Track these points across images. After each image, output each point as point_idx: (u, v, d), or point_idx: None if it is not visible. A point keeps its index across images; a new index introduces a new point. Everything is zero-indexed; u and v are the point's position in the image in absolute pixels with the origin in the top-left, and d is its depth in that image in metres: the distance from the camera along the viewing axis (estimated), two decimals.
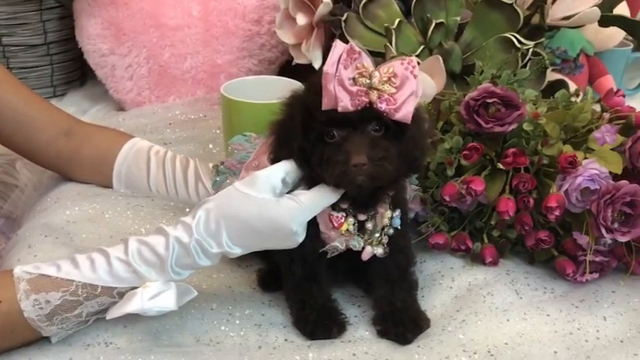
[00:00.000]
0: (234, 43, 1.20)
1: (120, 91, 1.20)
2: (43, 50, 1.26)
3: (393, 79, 0.58)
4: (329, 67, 0.58)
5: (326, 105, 0.59)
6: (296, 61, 1.09)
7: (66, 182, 0.93)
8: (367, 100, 0.59)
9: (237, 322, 0.68)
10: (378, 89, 0.58)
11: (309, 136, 0.61)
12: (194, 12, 1.18)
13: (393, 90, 0.58)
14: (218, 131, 1.07)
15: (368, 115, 0.59)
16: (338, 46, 0.59)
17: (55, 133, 0.89)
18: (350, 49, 0.58)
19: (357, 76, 0.58)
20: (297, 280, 0.68)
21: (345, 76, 0.58)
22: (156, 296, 0.61)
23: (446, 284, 0.74)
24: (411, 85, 0.58)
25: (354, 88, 0.58)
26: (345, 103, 0.58)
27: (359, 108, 0.59)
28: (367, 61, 0.59)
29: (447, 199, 0.75)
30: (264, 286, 0.74)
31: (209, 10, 1.19)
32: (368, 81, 0.58)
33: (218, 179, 0.78)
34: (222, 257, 0.65)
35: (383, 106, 0.59)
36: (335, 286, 0.72)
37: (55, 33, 1.27)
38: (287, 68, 1.20)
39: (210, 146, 1.05)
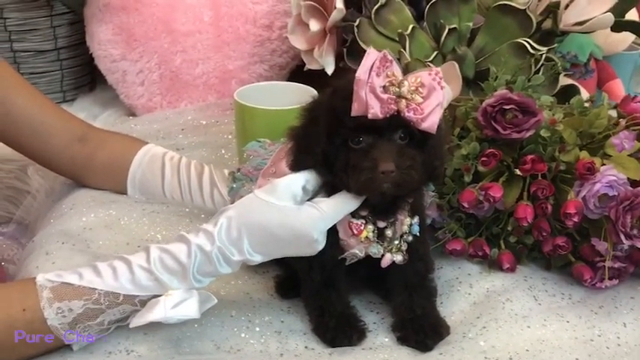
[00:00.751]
0: (245, 49, 1.20)
1: (131, 96, 1.20)
2: (53, 56, 1.27)
3: (420, 88, 0.59)
4: (362, 74, 0.59)
5: (356, 111, 0.59)
6: (308, 66, 1.09)
7: (80, 188, 0.93)
8: (396, 108, 0.59)
9: (257, 329, 0.68)
10: (406, 98, 0.59)
11: (334, 142, 0.61)
12: (205, 17, 1.19)
13: (420, 100, 0.59)
14: (230, 136, 1.07)
15: (395, 124, 0.60)
16: (371, 54, 0.59)
17: (69, 139, 0.89)
18: (383, 57, 0.59)
19: (387, 84, 0.59)
20: (315, 287, 0.68)
21: (377, 84, 0.59)
22: (178, 304, 0.61)
23: (464, 291, 0.74)
24: (437, 96, 0.59)
25: (385, 96, 0.59)
26: (376, 110, 0.59)
27: (387, 115, 0.59)
28: (397, 70, 0.60)
29: (466, 205, 0.75)
30: (282, 293, 0.74)
31: (220, 15, 1.19)
32: (397, 89, 0.59)
33: (235, 186, 0.78)
34: (244, 263, 0.65)
35: (410, 115, 0.59)
36: (353, 292, 0.72)
37: (66, 38, 1.27)
38: (298, 74, 1.20)
39: (223, 152, 1.05)
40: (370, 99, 0.59)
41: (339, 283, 0.68)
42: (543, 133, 0.75)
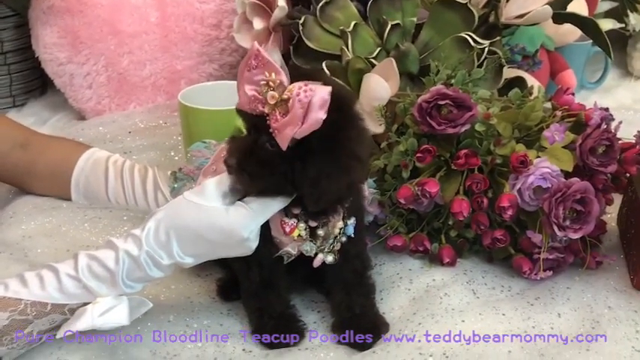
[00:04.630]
0: (193, 49, 1.19)
1: (79, 100, 1.19)
2: (0, 60, 1.24)
3: (284, 103, 0.57)
4: (240, 65, 0.59)
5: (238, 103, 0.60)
6: None
7: (23, 195, 0.92)
8: (263, 109, 0.58)
9: (195, 333, 0.68)
10: (269, 104, 0.57)
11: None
12: (152, 18, 1.17)
13: (283, 111, 0.57)
14: (179, 138, 1.06)
15: (264, 126, 0.58)
16: (252, 46, 0.58)
17: (10, 145, 0.88)
18: (258, 53, 0.57)
19: (263, 82, 0.57)
20: (254, 288, 0.68)
21: (249, 78, 0.58)
22: (107, 312, 0.60)
23: (404, 286, 0.74)
24: (295, 114, 0.56)
25: (251, 93, 0.58)
26: (241, 102, 0.59)
27: (255, 113, 0.58)
28: (278, 72, 0.58)
29: (403, 201, 0.75)
30: (224, 296, 0.73)
31: (167, 15, 1.18)
32: (265, 92, 0.57)
33: (176, 185, 0.78)
34: (182, 267, 0.64)
35: (271, 123, 0.58)
36: (295, 292, 0.72)
37: (12, 42, 1.24)
38: None
39: (172, 153, 1.04)
40: (240, 89, 0.59)
41: (278, 283, 0.68)
42: (478, 127, 0.76)
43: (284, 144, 0.57)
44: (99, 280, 0.61)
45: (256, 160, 0.59)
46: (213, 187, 0.62)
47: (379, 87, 0.82)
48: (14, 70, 1.26)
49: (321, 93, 0.56)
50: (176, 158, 1.04)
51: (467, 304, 0.71)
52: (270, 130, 0.58)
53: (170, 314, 0.70)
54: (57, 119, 1.22)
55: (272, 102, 0.57)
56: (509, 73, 0.98)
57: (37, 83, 1.31)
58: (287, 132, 0.56)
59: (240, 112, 0.60)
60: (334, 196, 0.60)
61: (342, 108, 0.58)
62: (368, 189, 0.76)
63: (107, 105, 1.18)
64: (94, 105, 1.18)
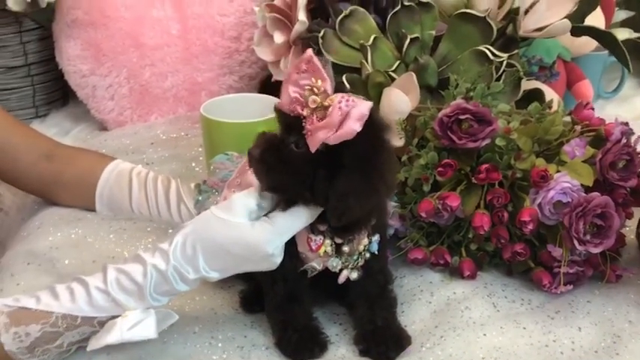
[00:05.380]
0: (214, 61, 1.21)
1: (102, 111, 1.20)
2: (24, 71, 1.26)
3: (323, 109, 0.58)
4: (290, 69, 0.62)
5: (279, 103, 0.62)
6: (275, 77, 1.10)
7: (48, 206, 0.93)
8: (301, 111, 0.59)
9: (220, 345, 0.69)
10: (309, 107, 0.59)
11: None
12: (173, 31, 1.19)
13: (320, 116, 0.59)
14: (200, 149, 1.06)
15: (296, 127, 0.60)
16: (307, 52, 0.60)
17: (36, 157, 0.89)
18: (309, 59, 0.59)
19: (307, 86, 0.59)
20: (278, 301, 0.68)
21: (295, 80, 0.59)
22: (135, 325, 0.61)
23: (425, 299, 0.74)
24: (331, 123, 0.57)
25: (294, 94, 0.59)
26: (282, 101, 0.60)
27: (292, 114, 0.60)
28: (326, 80, 0.59)
29: (424, 215, 0.76)
30: (247, 308, 0.74)
31: (188, 28, 1.19)
32: (307, 96, 0.59)
33: (200, 198, 0.79)
34: (204, 280, 0.65)
35: (306, 125, 0.59)
36: (317, 304, 0.73)
37: (36, 54, 1.26)
38: (269, 83, 1.21)
39: (193, 164, 1.05)
40: (284, 90, 0.60)
41: (302, 297, 0.68)
42: (499, 141, 0.76)
43: (314, 146, 0.58)
44: (127, 293, 0.63)
45: (280, 155, 0.60)
46: (240, 202, 0.63)
47: (399, 101, 0.83)
48: (37, 81, 1.28)
49: (361, 107, 0.57)
50: (197, 169, 1.05)
51: (488, 317, 0.71)
52: (303, 132, 0.59)
53: (195, 326, 0.70)
54: (79, 130, 1.24)
55: (312, 106, 0.59)
56: (526, 85, 0.99)
57: (58, 94, 1.33)
58: (320, 135, 0.57)
59: (278, 111, 0.62)
60: (358, 215, 0.61)
61: (378, 129, 0.60)
62: (390, 203, 0.77)
63: (129, 116, 1.20)
64: (116, 116, 1.20)
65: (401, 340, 0.68)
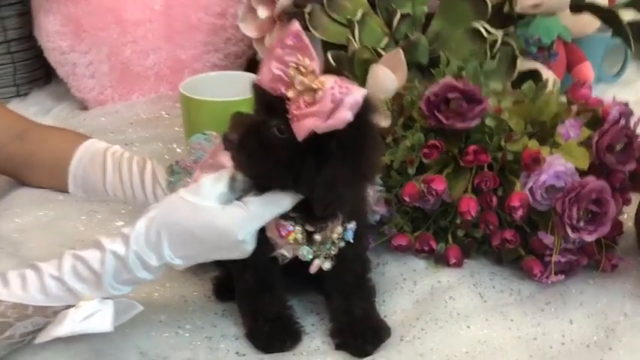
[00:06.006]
0: (197, 38, 1.16)
1: (82, 89, 1.17)
2: (3, 48, 1.22)
3: (312, 92, 0.53)
4: (273, 43, 0.56)
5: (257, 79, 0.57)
6: (260, 55, 1.05)
7: (20, 187, 0.90)
8: (284, 91, 0.54)
9: (187, 335, 0.65)
10: (296, 89, 0.54)
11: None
12: (155, 6, 1.14)
13: (308, 100, 0.53)
14: (182, 129, 1.01)
15: (279, 110, 0.55)
16: (292, 26, 0.55)
17: (7, 137, 0.86)
18: (296, 33, 0.54)
19: (292, 64, 0.54)
20: (249, 289, 0.64)
21: (278, 55, 0.54)
22: (90, 316, 0.57)
23: (408, 288, 0.71)
24: (323, 108, 0.52)
25: (277, 71, 0.54)
26: (263, 78, 0.55)
27: (275, 93, 0.55)
28: (313, 59, 0.55)
29: (408, 199, 0.72)
30: (220, 295, 0.70)
31: (171, 4, 1.15)
32: (293, 75, 0.54)
33: (172, 179, 0.75)
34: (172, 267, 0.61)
35: (291, 108, 0.54)
36: (292, 293, 0.69)
37: (15, 30, 1.22)
38: (256, 62, 1.16)
39: (174, 145, 1.01)
40: (265, 65, 0.55)
41: (274, 285, 0.65)
42: (489, 122, 0.72)
43: (301, 134, 0.53)
44: (83, 282, 0.58)
45: (261, 141, 0.55)
46: (210, 184, 0.59)
47: (386, 78, 0.79)
48: (18, 58, 1.24)
49: (355, 95, 0.53)
50: (178, 150, 1.01)
51: (473, 308, 0.67)
52: (288, 116, 0.54)
53: (162, 314, 0.67)
54: (60, 109, 1.20)
55: (299, 88, 0.53)
56: (523, 65, 0.94)
57: (41, 72, 1.29)
58: (308, 122, 0.53)
59: (257, 88, 0.57)
60: (345, 204, 0.57)
61: (367, 116, 0.56)
62: (374, 187, 0.72)
63: (110, 95, 1.16)
64: (97, 95, 1.16)
65: (379, 332, 0.64)
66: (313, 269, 0.62)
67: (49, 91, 1.27)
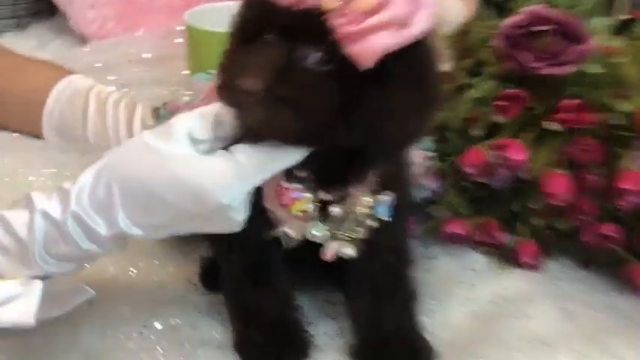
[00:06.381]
0: None
1: (81, 22, 1.06)
2: None
3: None
4: None
5: None
6: None
7: None
8: (318, 3, 0.38)
9: (153, 337, 0.50)
10: None
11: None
12: None
13: (365, 7, 0.38)
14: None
15: (313, 32, 0.39)
16: None
17: None
18: None
19: None
20: (238, 281, 0.49)
21: None
22: (5, 303, 0.42)
23: (463, 294, 0.55)
24: (394, 13, 0.38)
25: None
26: None
27: (298, 8, 0.39)
28: None
29: (471, 170, 0.56)
30: (207, 283, 0.56)
31: None
32: None
33: (157, 125, 0.62)
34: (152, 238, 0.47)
35: (339, 22, 0.38)
36: (302, 288, 0.53)
37: None
38: None
39: (181, 90, 0.88)
40: None
41: (274, 275, 0.50)
42: (593, 68, 0.55)
43: (369, 58, 0.38)
44: (2, 252, 0.44)
45: (301, 83, 0.39)
46: (184, 125, 0.43)
47: (450, 6, 0.63)
48: None
49: None
50: (185, 99, 0.87)
51: (556, 331, 0.51)
52: (330, 39, 0.39)
53: (125, 305, 0.53)
54: (60, 43, 1.10)
55: None
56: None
57: (44, 4, 1.18)
58: (378, 41, 0.38)
59: (264, 4, 0.40)
60: (412, 142, 0.44)
61: (431, 40, 0.42)
62: (421, 152, 0.58)
63: (112, 29, 1.05)
64: (98, 29, 1.06)
65: (419, 354, 0.49)
66: (328, 256, 0.46)
67: (50, 25, 1.17)
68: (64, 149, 0.75)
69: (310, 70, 0.39)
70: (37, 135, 0.77)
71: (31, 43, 1.08)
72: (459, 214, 0.60)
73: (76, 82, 0.76)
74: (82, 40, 1.08)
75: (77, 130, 0.74)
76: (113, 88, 0.79)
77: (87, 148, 0.75)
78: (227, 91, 0.40)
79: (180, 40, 0.97)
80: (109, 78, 0.89)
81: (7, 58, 0.79)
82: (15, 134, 0.78)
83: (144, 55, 0.97)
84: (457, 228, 0.59)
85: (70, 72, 0.79)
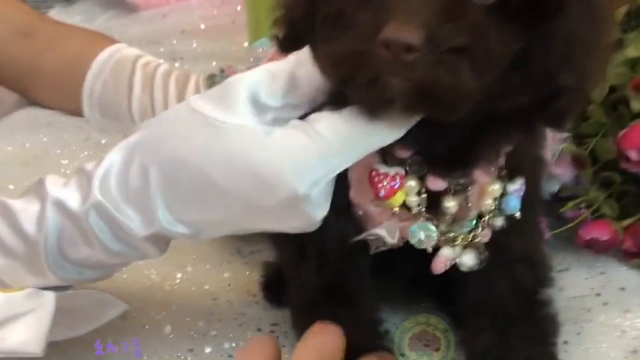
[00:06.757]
0: None
1: None
2: None
3: None
4: None
5: None
6: None
7: (23, 106, 0.75)
8: None
9: None
10: None
11: None
12: None
13: None
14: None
15: None
16: None
17: (9, 34, 0.73)
18: None
19: None
20: (310, 298, 0.41)
21: None
22: (5, 323, 0.34)
23: (612, 323, 0.44)
24: None
25: None
26: None
27: None
28: None
29: (633, 156, 0.44)
30: (271, 296, 0.48)
31: None
32: None
33: None
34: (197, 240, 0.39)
35: None
36: (391, 305, 0.45)
37: None
38: None
39: (239, 65, 0.79)
40: None
41: (357, 291, 0.41)
42: None
43: None
44: (6, 254, 0.36)
45: (476, 24, 0.30)
46: (247, 86, 0.34)
47: None
48: None
49: None
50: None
51: None
52: None
53: (167, 323, 0.45)
54: (108, 17, 1.04)
55: None
56: None
57: None
58: None
59: None
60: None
61: None
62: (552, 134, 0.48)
63: None
64: None
65: None
66: (439, 266, 0.37)
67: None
68: (104, 129, 0.70)
69: (481, 6, 0.30)
70: (75, 112, 0.72)
71: (76, 19, 1.02)
72: (601, 215, 0.50)
73: (122, 51, 0.72)
74: (131, 11, 1.00)
75: (122, 107, 0.70)
76: (152, 57, 0.74)
77: (131, 128, 0.69)
78: (350, 57, 0.29)
79: (239, 7, 0.91)
80: (156, 51, 0.82)
81: (47, 24, 0.75)
82: (49, 112, 0.73)
83: (200, 25, 0.89)
84: (600, 232, 0.49)
85: (114, 41, 0.75)
